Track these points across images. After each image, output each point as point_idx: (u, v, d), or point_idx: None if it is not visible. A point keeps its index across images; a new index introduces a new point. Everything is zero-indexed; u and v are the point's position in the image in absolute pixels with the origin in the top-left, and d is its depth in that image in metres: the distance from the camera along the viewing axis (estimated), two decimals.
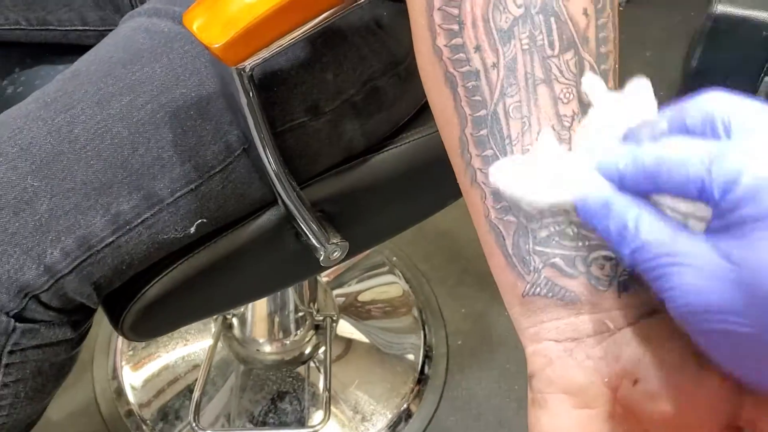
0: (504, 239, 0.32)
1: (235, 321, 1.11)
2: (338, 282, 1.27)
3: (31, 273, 0.47)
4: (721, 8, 1.13)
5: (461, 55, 0.33)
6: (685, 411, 0.29)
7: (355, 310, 1.22)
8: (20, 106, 0.51)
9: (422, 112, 0.68)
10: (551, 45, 0.32)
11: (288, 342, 1.11)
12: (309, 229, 0.58)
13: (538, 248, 0.31)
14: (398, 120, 0.64)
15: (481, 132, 0.33)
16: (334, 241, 0.61)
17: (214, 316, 1.09)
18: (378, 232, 0.72)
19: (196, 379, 1.06)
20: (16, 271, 0.47)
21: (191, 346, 1.13)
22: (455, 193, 0.78)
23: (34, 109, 0.50)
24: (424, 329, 1.22)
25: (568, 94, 0.32)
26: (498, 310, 1.26)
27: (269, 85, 0.53)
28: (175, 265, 0.56)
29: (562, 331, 0.31)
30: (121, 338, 1.15)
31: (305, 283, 1.06)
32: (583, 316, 0.31)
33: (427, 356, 1.18)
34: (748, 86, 1.19)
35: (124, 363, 1.11)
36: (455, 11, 0.33)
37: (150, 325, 0.59)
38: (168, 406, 1.06)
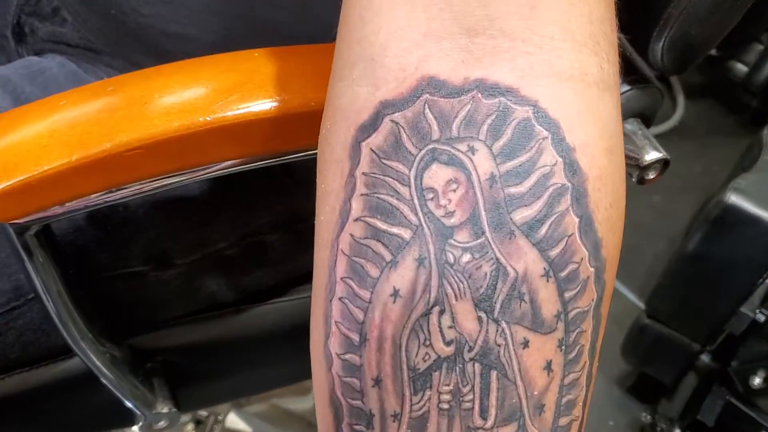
0: None
1: None
2: None
3: None
4: (733, 199, 1.02)
5: (355, 380, 0.23)
6: None
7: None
8: None
9: None
10: (483, 413, 0.22)
11: None
12: (121, 394, 0.46)
13: None
14: (292, 275, 0.52)
15: None
16: (162, 410, 0.48)
17: None
18: (235, 391, 0.59)
19: None
20: None
21: None
22: None
23: None
24: None
25: None
26: None
27: (101, 223, 0.41)
28: None
29: None
30: None
31: None
32: None
33: None
34: (744, 285, 1.07)
35: None
36: (359, 314, 0.22)
37: None
38: None
